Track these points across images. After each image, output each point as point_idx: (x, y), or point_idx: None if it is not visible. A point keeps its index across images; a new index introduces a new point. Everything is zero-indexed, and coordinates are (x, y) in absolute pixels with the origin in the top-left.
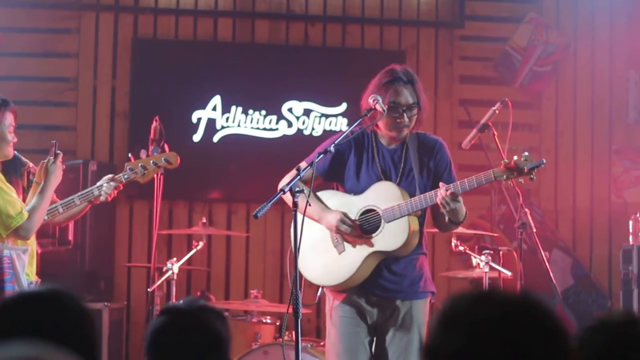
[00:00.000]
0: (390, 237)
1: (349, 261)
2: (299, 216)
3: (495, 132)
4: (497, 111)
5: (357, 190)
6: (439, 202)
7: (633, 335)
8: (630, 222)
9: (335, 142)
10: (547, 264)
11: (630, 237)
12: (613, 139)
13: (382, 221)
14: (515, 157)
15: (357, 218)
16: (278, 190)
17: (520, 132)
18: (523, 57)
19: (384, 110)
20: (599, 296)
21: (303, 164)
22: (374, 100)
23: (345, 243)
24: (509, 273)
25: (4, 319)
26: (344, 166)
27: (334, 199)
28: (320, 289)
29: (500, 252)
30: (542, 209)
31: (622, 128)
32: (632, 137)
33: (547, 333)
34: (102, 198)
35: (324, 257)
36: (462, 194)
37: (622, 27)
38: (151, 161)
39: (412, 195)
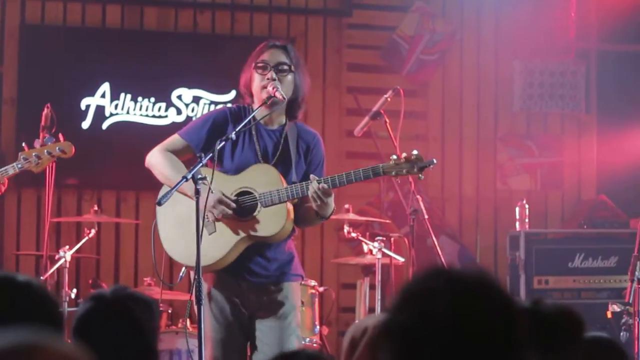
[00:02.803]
0: (267, 223)
1: (219, 243)
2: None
3: (387, 120)
4: (389, 99)
5: (231, 168)
6: (310, 195)
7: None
8: (517, 209)
9: (237, 130)
10: (438, 250)
11: (517, 223)
12: (498, 127)
13: (259, 205)
14: (405, 155)
15: (233, 199)
16: (180, 179)
17: (407, 120)
18: (410, 45)
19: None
20: None
21: (176, 137)
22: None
23: (216, 223)
24: (401, 259)
25: None
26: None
27: (207, 177)
28: (183, 268)
29: (392, 239)
30: (429, 196)
31: (507, 116)
32: (516, 126)
33: (499, 306)
34: None
35: (192, 237)
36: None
37: (508, 17)
38: (45, 150)
39: (287, 180)
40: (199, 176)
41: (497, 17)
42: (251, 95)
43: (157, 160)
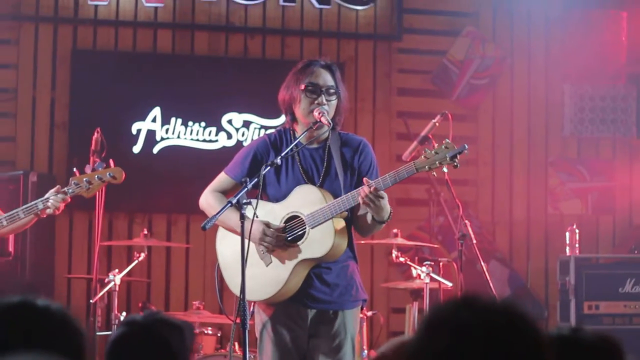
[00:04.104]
0: (316, 244)
1: (277, 273)
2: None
3: (436, 145)
4: (437, 124)
5: (280, 195)
6: (361, 201)
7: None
8: (567, 234)
9: (283, 154)
10: (487, 275)
11: (567, 248)
12: (549, 151)
13: (307, 227)
14: (436, 146)
15: (281, 226)
16: (225, 204)
17: (457, 145)
18: (460, 70)
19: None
20: (536, 306)
21: (222, 175)
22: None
23: (271, 255)
24: (449, 284)
25: None
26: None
27: (253, 202)
28: (253, 303)
29: (441, 263)
30: (480, 221)
31: (557, 141)
32: (567, 150)
33: (528, 339)
34: (49, 211)
35: (251, 271)
36: (399, 203)
37: (557, 41)
38: (96, 176)
39: (336, 196)
40: (244, 201)
41: (547, 42)
42: (292, 114)
43: (208, 203)
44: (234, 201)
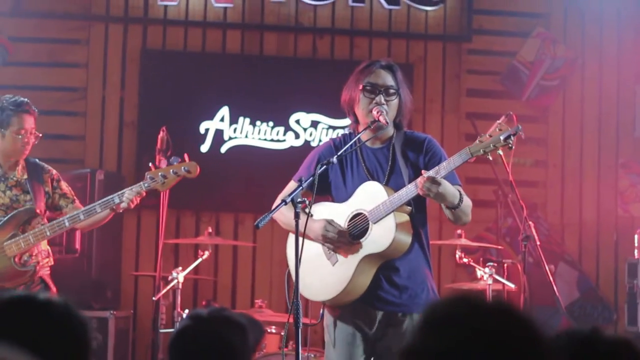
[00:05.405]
0: (378, 238)
1: (343, 270)
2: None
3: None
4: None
5: (346, 197)
6: (420, 192)
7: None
8: (636, 236)
9: (339, 153)
10: (550, 277)
11: (636, 251)
12: (620, 153)
13: (370, 223)
14: (491, 129)
15: (346, 225)
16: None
17: (527, 146)
18: (530, 71)
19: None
20: (605, 309)
21: (291, 183)
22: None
23: (337, 253)
24: (512, 285)
25: None
26: (328, 175)
27: (321, 210)
28: (323, 305)
29: (505, 265)
30: (549, 223)
31: (629, 142)
32: (638, 152)
33: (527, 337)
34: (124, 205)
35: (319, 271)
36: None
37: (630, 42)
38: (171, 170)
39: None
40: (298, 200)
41: (619, 43)
42: (354, 114)
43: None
44: (288, 200)
